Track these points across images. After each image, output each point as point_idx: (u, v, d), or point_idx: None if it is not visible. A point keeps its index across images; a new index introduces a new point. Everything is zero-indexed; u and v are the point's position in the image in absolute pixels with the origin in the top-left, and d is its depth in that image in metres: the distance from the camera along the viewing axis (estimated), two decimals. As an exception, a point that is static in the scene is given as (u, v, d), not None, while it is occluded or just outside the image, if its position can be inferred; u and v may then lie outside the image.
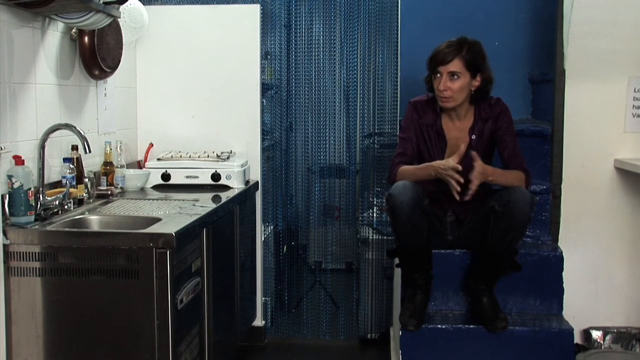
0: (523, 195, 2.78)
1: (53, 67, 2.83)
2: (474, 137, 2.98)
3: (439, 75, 2.92)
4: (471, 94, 2.95)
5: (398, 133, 3.61)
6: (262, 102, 3.77)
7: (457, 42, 2.92)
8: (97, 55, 3.04)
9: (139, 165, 3.66)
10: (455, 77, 2.89)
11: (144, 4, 3.50)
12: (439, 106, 3.00)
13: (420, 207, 2.80)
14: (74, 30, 2.93)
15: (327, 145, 3.90)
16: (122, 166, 3.23)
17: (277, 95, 3.91)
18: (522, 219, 2.77)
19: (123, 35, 3.31)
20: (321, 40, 3.84)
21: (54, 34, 2.84)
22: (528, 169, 2.96)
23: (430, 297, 3.01)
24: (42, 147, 2.62)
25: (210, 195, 3.22)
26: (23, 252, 2.35)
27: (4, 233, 2.34)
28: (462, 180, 2.77)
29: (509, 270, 2.91)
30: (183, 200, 3.06)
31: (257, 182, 3.75)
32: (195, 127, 3.74)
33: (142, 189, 3.38)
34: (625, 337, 3.31)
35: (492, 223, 2.80)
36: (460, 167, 2.78)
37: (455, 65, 2.89)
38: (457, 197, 2.79)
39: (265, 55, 3.82)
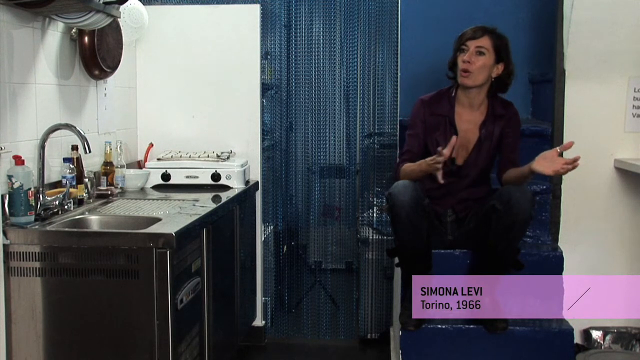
0: (524, 193, 2.79)
1: (53, 67, 2.83)
2: (483, 131, 2.98)
3: (465, 50, 2.95)
4: (491, 82, 2.98)
5: (399, 132, 3.62)
6: (262, 102, 3.77)
7: (489, 27, 2.99)
8: (97, 55, 3.04)
9: (139, 165, 3.66)
10: (481, 54, 2.93)
11: (144, 4, 3.50)
12: (455, 95, 3.01)
13: (420, 206, 2.80)
14: (74, 30, 2.93)
15: (327, 145, 3.90)
16: (122, 166, 3.23)
17: (277, 95, 3.91)
18: (524, 217, 2.77)
19: (123, 35, 3.31)
20: (321, 40, 3.84)
21: (54, 34, 2.84)
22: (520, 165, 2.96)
23: (430, 297, 3.01)
24: (42, 147, 2.62)
25: (210, 195, 3.21)
26: (23, 252, 2.35)
27: (4, 233, 2.34)
28: (440, 160, 2.72)
29: (512, 269, 2.91)
30: (183, 200, 3.06)
31: (257, 182, 3.75)
32: (195, 127, 3.74)
33: (142, 189, 3.38)
34: (625, 337, 3.31)
35: (493, 222, 2.80)
36: (445, 154, 2.72)
37: (484, 41, 2.94)
38: (440, 179, 2.77)
39: (265, 55, 3.82)
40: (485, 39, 2.94)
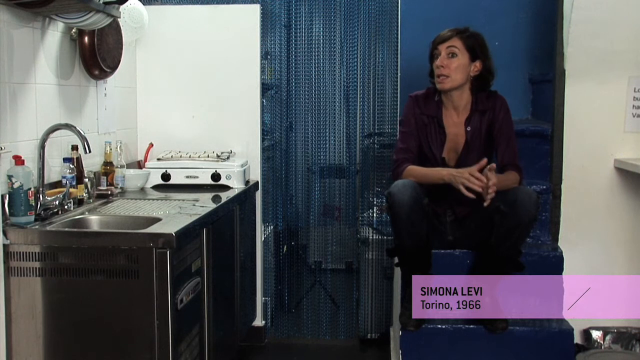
0: (529, 195, 2.79)
1: (53, 67, 2.83)
2: (469, 129, 2.98)
3: (437, 54, 2.96)
4: (471, 81, 2.97)
5: (399, 132, 3.62)
6: (262, 102, 3.77)
7: (461, 27, 2.99)
8: (97, 55, 3.04)
9: (139, 165, 3.66)
10: (454, 55, 2.93)
11: (144, 4, 3.50)
12: (440, 98, 3.01)
13: (419, 206, 2.80)
14: (74, 30, 2.93)
15: (327, 145, 3.90)
16: (122, 166, 3.23)
17: (277, 95, 3.91)
18: (528, 219, 2.77)
19: (123, 35, 3.31)
20: (321, 40, 3.84)
21: (54, 34, 2.84)
22: (520, 165, 2.96)
23: (430, 297, 3.01)
24: (42, 147, 2.62)
25: (210, 195, 3.22)
26: (23, 252, 2.35)
27: (4, 233, 2.34)
28: (479, 184, 2.74)
29: (513, 270, 2.91)
30: (183, 200, 3.06)
31: (257, 182, 3.75)
32: (195, 127, 3.74)
33: (142, 189, 3.38)
34: (625, 337, 3.31)
35: (497, 223, 2.80)
36: (484, 179, 2.73)
37: (454, 42, 2.94)
38: (468, 194, 2.76)
39: (265, 55, 3.82)
40: (455, 40, 2.94)
